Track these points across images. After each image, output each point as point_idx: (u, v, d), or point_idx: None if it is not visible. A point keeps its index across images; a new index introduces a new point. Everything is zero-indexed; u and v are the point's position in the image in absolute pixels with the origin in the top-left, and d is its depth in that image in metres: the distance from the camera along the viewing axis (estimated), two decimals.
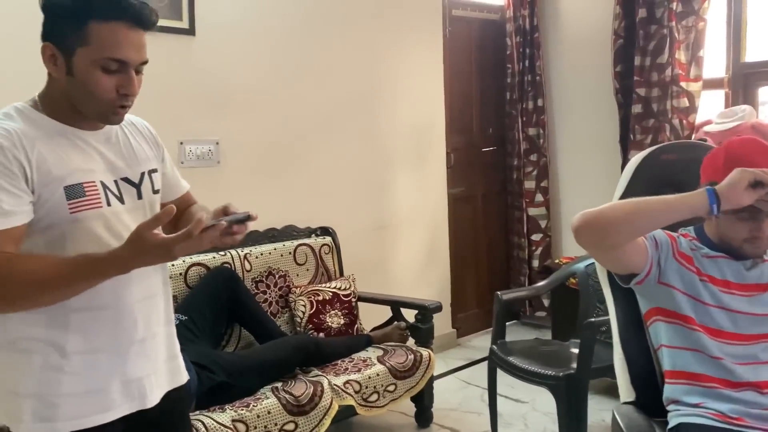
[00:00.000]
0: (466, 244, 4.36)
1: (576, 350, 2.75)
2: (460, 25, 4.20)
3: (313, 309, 3.00)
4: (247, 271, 2.96)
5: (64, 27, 1.23)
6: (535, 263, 4.45)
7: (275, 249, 3.09)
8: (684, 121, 3.60)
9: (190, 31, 2.93)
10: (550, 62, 4.38)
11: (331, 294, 3.08)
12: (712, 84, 3.69)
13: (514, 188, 4.48)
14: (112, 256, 1.18)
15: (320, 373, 2.64)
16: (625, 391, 1.88)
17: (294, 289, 3.07)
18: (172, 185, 1.53)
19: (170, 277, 2.61)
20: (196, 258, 2.80)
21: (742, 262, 1.69)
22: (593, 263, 2.90)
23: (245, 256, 2.96)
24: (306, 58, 3.34)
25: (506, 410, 3.13)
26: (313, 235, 3.31)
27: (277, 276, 3.05)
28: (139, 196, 1.38)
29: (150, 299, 1.39)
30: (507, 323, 4.63)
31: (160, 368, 1.42)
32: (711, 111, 3.70)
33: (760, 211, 1.58)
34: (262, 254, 3.03)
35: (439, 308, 3.00)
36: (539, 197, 4.40)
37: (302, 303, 3.00)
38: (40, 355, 1.27)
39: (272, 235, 3.15)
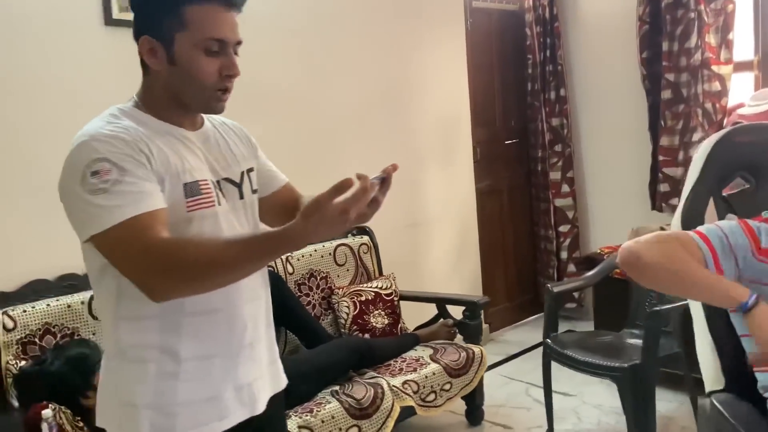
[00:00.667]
0: (493, 239, 4.31)
1: (631, 340, 2.72)
2: (480, 16, 4.15)
3: (357, 310, 2.95)
4: (290, 274, 2.90)
5: (159, 16, 1.19)
6: (564, 255, 4.41)
7: (315, 250, 3.04)
8: (716, 105, 3.57)
9: None
10: (570, 51, 4.33)
11: (373, 294, 3.03)
12: (740, 67, 3.65)
13: (539, 180, 4.43)
14: (290, 230, 1.09)
15: (376, 374, 2.59)
16: (713, 378, 1.83)
17: (336, 290, 3.01)
18: (271, 178, 1.48)
19: None
20: None
21: None
22: None
23: (287, 259, 2.90)
24: (333, 56, 3.28)
25: (556, 404, 3.05)
26: (350, 234, 3.25)
27: (318, 278, 3.00)
28: (241, 196, 1.33)
29: (255, 302, 1.34)
30: (534, 316, 4.64)
31: (265, 372, 1.37)
32: (741, 94, 3.68)
33: None
34: (303, 256, 2.97)
35: (487, 303, 2.96)
36: (565, 188, 4.36)
37: (345, 304, 2.95)
38: (154, 363, 1.21)
39: None
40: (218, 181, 1.29)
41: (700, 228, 1.72)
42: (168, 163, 1.19)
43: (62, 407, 1.89)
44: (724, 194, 1.95)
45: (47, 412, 1.76)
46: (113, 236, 1.12)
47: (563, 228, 4.41)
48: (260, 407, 1.34)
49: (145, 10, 1.22)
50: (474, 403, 2.97)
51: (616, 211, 4.20)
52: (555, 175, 4.37)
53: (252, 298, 1.32)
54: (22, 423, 1.93)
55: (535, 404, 3.19)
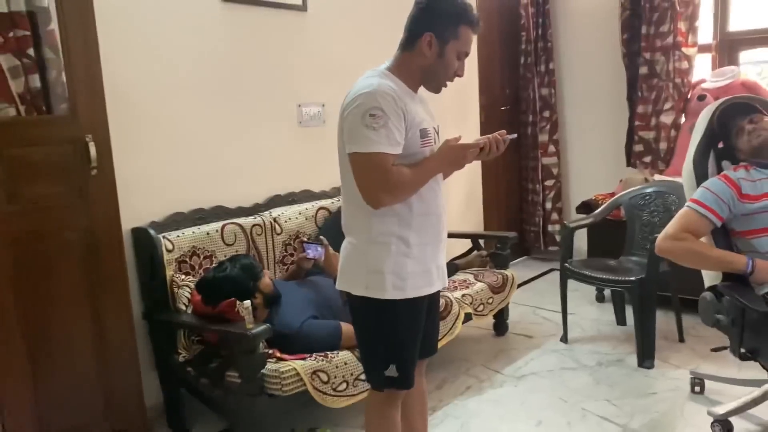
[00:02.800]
0: (489, 191, 5.02)
1: (631, 265, 3.48)
2: None
3: None
4: None
5: (446, 26, 1.80)
6: (548, 205, 5.18)
7: None
8: (684, 80, 4.35)
9: (303, 7, 3.38)
10: (559, 30, 5.03)
11: None
12: (702, 49, 4.44)
13: (528, 141, 5.14)
14: (430, 159, 1.83)
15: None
16: (712, 277, 2.60)
17: None
18: None
19: (305, 219, 3.17)
20: (321, 203, 3.34)
21: None
22: (637, 195, 3.63)
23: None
24: (394, 32, 3.81)
25: (559, 320, 3.82)
26: None
27: None
28: (437, 141, 1.94)
29: (445, 211, 1.97)
30: (520, 258, 5.40)
31: (445, 261, 2.00)
32: (702, 72, 4.48)
33: None
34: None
35: (516, 239, 3.66)
36: (551, 148, 5.10)
37: None
38: (394, 245, 1.84)
39: None
40: (433, 128, 1.90)
41: (694, 196, 2.50)
42: (414, 115, 1.80)
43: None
44: (719, 146, 2.70)
45: (246, 302, 2.33)
46: (365, 159, 1.74)
47: (548, 183, 5.16)
48: (446, 283, 2.00)
49: (439, 20, 1.81)
50: (502, 317, 3.69)
51: (595, 168, 4.99)
52: (543, 138, 5.10)
53: (445, 209, 1.96)
54: (206, 317, 2.49)
55: (544, 321, 3.94)
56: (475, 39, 1.90)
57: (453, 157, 1.84)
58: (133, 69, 2.74)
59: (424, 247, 1.88)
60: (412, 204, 1.84)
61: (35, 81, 2.36)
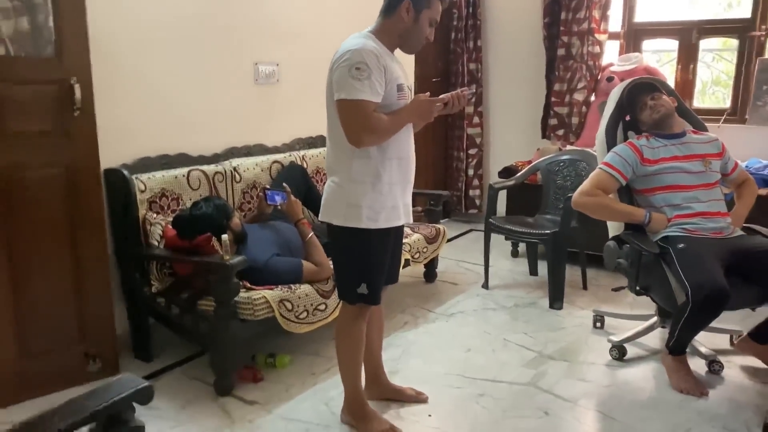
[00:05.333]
0: (419, 157, 5.38)
1: (545, 222, 3.97)
2: None
3: None
4: (307, 167, 3.78)
5: None
6: (471, 172, 5.65)
7: (319, 153, 3.93)
8: (596, 63, 4.89)
9: None
10: (488, 10, 5.46)
11: None
12: (611, 36, 5.00)
13: (456, 112, 5.56)
14: (404, 110, 2.16)
15: None
16: (616, 227, 3.11)
17: None
18: None
19: (261, 171, 3.45)
20: (275, 157, 3.61)
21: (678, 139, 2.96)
22: (553, 161, 4.13)
23: (303, 156, 3.78)
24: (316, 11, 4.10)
25: (480, 270, 4.28)
26: None
27: (322, 173, 3.91)
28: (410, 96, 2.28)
29: (413, 156, 2.31)
30: (443, 220, 5.84)
31: (410, 199, 2.36)
32: (610, 56, 5.03)
33: None
34: (319, 155, 3.86)
35: (448, 196, 4.07)
36: (476, 120, 5.55)
37: None
38: (370, 184, 2.18)
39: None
40: (407, 86, 2.24)
41: (605, 159, 2.98)
42: (392, 72, 2.13)
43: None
44: (626, 119, 3.19)
45: (225, 236, 2.60)
46: (351, 104, 2.06)
47: (472, 151, 5.62)
48: (410, 220, 2.35)
49: None
50: (432, 266, 4.11)
51: (513, 139, 5.48)
52: (469, 109, 5.53)
53: (414, 152, 2.31)
54: (180, 250, 2.73)
55: (467, 271, 4.40)
56: None
57: (422, 109, 2.19)
58: (112, 21, 2.90)
59: (394, 186, 2.23)
60: (386, 149, 2.18)
61: (24, 23, 2.50)
